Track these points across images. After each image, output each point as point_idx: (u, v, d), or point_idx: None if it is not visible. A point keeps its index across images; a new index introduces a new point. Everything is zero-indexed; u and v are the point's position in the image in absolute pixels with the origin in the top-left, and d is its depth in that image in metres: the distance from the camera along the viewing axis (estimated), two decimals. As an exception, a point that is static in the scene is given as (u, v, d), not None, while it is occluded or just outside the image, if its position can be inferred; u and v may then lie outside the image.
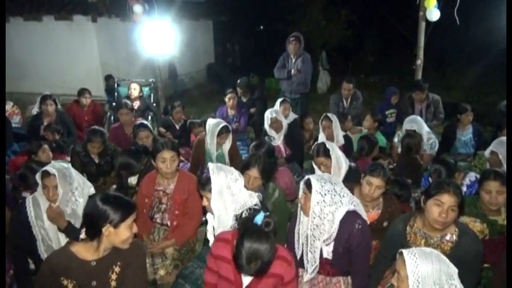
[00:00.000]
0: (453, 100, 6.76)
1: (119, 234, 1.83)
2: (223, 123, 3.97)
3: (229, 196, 2.25)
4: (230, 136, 4.05)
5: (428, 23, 5.47)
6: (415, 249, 1.66)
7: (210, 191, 2.25)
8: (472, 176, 3.27)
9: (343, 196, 2.13)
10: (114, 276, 1.92)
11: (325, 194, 2.07)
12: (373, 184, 2.58)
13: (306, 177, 2.20)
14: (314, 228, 2.11)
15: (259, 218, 1.89)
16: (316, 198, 2.06)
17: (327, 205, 2.07)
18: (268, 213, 1.93)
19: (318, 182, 2.10)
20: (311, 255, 2.17)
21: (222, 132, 3.92)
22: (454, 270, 1.59)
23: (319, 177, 2.17)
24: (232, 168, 2.41)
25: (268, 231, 1.85)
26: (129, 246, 1.93)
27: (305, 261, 2.20)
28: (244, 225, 1.89)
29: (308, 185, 2.12)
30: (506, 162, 3.12)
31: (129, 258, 1.95)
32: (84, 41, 8.38)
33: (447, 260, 1.61)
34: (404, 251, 1.64)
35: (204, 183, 2.29)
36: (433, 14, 5.19)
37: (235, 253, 1.81)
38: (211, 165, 2.31)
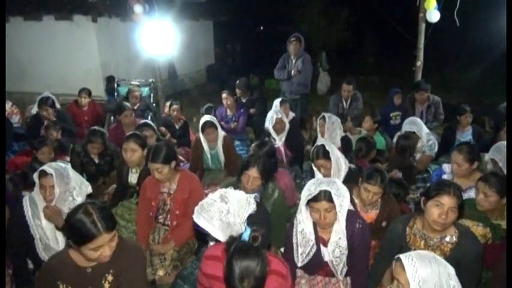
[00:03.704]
0: (453, 101, 6.74)
1: (83, 254, 1.76)
2: (207, 119, 4.01)
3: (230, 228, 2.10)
4: (218, 133, 4.05)
5: (428, 24, 5.48)
6: (411, 253, 1.63)
7: None
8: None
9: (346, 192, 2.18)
10: (107, 285, 1.86)
11: (344, 206, 2.14)
12: (371, 191, 2.58)
13: (323, 192, 2.09)
14: (340, 238, 2.18)
15: (246, 234, 1.81)
16: (343, 212, 2.13)
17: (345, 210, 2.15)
18: (254, 228, 1.83)
19: (338, 197, 2.09)
20: (340, 261, 2.23)
21: (205, 128, 3.96)
22: (452, 270, 1.58)
23: (335, 190, 2.11)
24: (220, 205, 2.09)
25: (256, 246, 1.75)
26: (126, 255, 1.86)
27: (338, 271, 2.25)
28: (231, 244, 1.77)
29: (330, 198, 2.09)
30: (507, 164, 3.10)
31: (123, 266, 1.87)
32: (84, 41, 8.36)
33: (443, 261, 1.60)
34: (402, 256, 1.61)
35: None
36: (433, 15, 5.20)
37: (226, 274, 1.71)
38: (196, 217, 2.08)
